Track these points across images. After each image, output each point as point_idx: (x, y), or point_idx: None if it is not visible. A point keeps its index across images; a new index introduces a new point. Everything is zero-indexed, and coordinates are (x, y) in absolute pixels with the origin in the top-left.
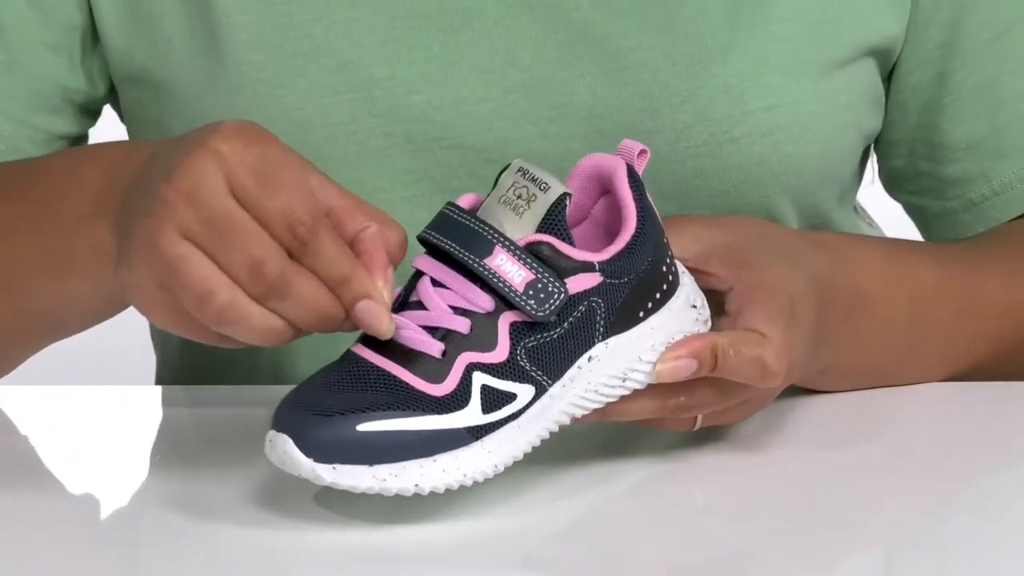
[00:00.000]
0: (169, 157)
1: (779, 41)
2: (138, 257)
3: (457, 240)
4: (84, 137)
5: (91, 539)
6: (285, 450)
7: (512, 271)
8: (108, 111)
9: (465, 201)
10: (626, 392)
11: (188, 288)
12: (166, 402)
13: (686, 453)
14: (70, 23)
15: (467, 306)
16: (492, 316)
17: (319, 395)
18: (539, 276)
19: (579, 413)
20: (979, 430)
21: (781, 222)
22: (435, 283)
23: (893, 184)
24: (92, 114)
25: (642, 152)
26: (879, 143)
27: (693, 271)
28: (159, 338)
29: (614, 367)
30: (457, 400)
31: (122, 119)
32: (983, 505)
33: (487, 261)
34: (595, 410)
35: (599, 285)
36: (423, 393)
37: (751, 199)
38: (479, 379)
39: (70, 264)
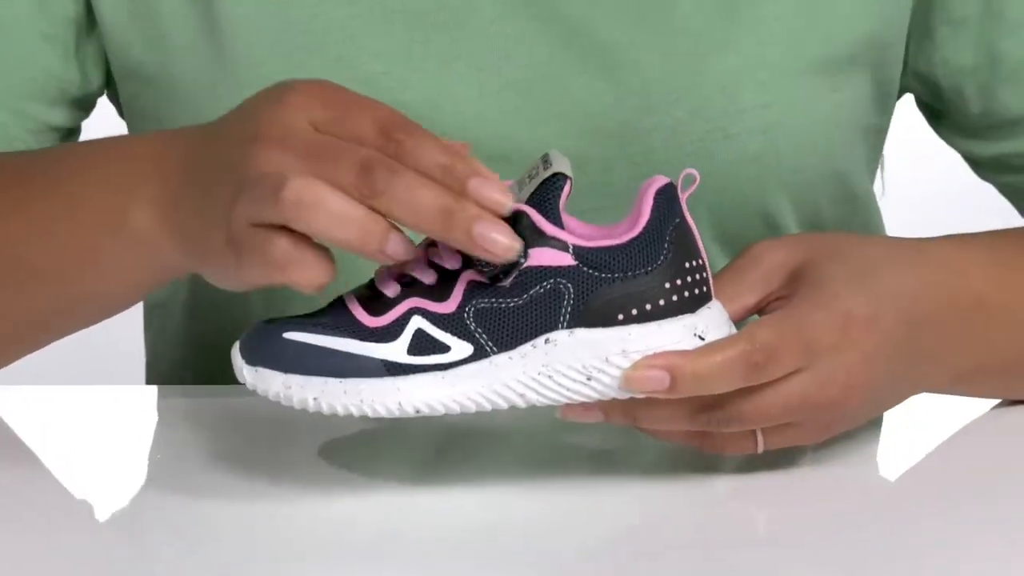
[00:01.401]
0: (242, 122)
1: (774, 38)
2: (227, 199)
3: None
4: (76, 130)
5: (90, 539)
6: (233, 353)
7: None
8: (107, 108)
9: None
10: (593, 393)
11: (264, 187)
12: (165, 402)
13: (700, 470)
14: (66, 15)
15: (440, 262)
16: (456, 273)
17: (289, 316)
18: None
19: (535, 397)
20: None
21: (778, 219)
22: (432, 244)
23: (980, 171)
24: (85, 107)
25: (689, 176)
26: (947, 134)
27: (779, 298)
28: (151, 343)
29: (575, 358)
30: (386, 334)
31: (121, 114)
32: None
33: None
34: (619, 413)
35: (570, 268)
36: (358, 321)
37: (748, 196)
38: (416, 322)
39: (96, 251)
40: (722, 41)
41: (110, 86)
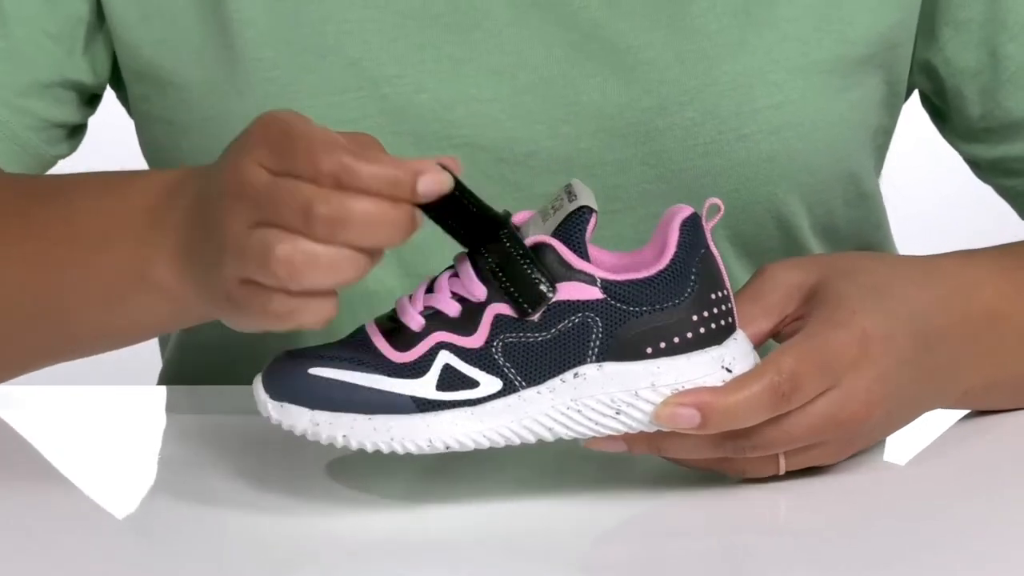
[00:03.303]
0: (216, 177)
1: (788, 39)
2: (218, 259)
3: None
4: (83, 126)
5: (91, 539)
6: (255, 386)
7: None
8: (111, 111)
9: (520, 216)
10: (622, 427)
11: (251, 255)
12: (167, 402)
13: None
14: (75, 14)
15: (464, 294)
16: (482, 306)
17: (312, 348)
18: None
19: (563, 431)
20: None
21: (791, 220)
22: (454, 275)
23: (981, 173)
24: (91, 103)
25: (714, 206)
26: (949, 134)
27: (796, 319)
28: (166, 352)
29: (605, 392)
30: (414, 370)
31: (130, 114)
32: None
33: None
34: (644, 444)
35: (598, 302)
36: (384, 356)
37: (760, 197)
38: (444, 357)
39: (121, 299)
40: (735, 42)
41: (119, 87)
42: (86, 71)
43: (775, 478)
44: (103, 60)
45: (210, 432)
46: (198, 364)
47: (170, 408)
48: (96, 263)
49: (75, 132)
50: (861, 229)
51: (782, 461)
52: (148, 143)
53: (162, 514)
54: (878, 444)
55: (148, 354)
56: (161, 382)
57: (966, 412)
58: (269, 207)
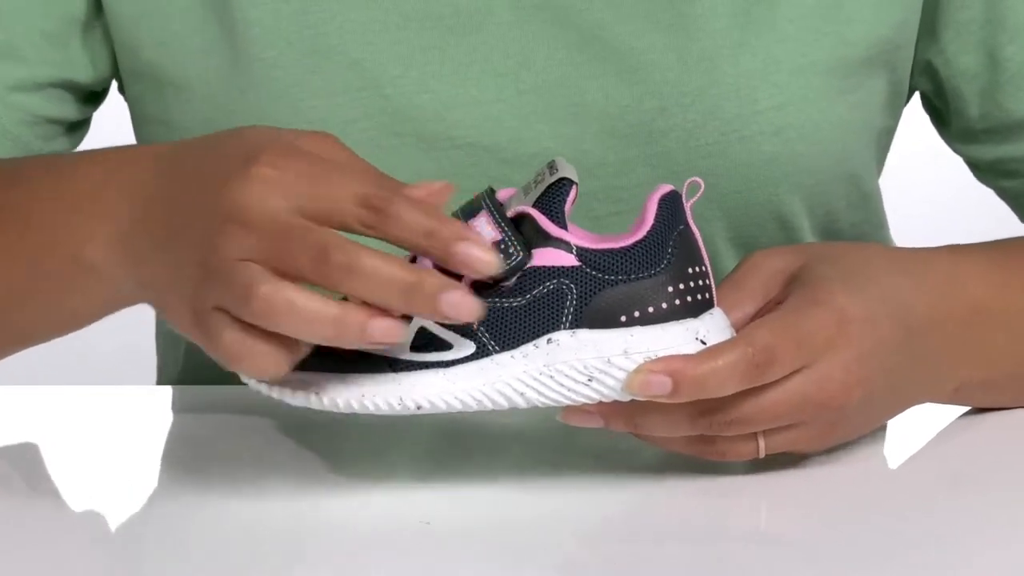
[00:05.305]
0: (207, 182)
1: (789, 40)
2: (197, 277)
3: (463, 208)
4: (85, 122)
5: (91, 540)
6: None
7: (485, 231)
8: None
9: (504, 193)
10: (595, 394)
11: (236, 287)
12: (167, 403)
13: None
14: (70, 13)
15: (444, 266)
16: (459, 274)
17: None
18: (505, 237)
19: (536, 397)
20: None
21: (792, 221)
22: None
23: (979, 173)
24: (93, 99)
25: (694, 184)
26: (949, 137)
27: (778, 303)
28: (163, 343)
29: (578, 359)
30: None
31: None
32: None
33: (471, 221)
34: (620, 420)
35: (574, 269)
36: None
37: (761, 198)
38: (419, 321)
39: (63, 284)
40: (737, 43)
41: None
42: (83, 70)
43: (759, 474)
44: (103, 58)
45: (210, 432)
46: (190, 363)
47: (170, 408)
48: (38, 246)
49: (75, 128)
50: (863, 230)
51: (761, 442)
52: (145, 144)
53: (161, 514)
54: (868, 440)
55: (147, 354)
56: (161, 379)
57: (961, 411)
58: (279, 247)
